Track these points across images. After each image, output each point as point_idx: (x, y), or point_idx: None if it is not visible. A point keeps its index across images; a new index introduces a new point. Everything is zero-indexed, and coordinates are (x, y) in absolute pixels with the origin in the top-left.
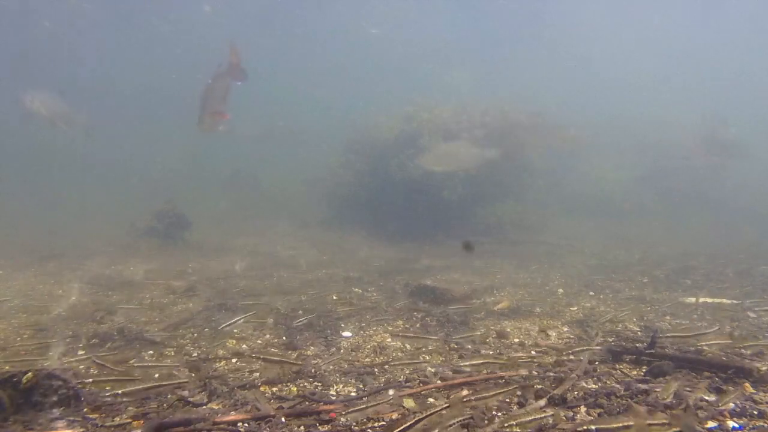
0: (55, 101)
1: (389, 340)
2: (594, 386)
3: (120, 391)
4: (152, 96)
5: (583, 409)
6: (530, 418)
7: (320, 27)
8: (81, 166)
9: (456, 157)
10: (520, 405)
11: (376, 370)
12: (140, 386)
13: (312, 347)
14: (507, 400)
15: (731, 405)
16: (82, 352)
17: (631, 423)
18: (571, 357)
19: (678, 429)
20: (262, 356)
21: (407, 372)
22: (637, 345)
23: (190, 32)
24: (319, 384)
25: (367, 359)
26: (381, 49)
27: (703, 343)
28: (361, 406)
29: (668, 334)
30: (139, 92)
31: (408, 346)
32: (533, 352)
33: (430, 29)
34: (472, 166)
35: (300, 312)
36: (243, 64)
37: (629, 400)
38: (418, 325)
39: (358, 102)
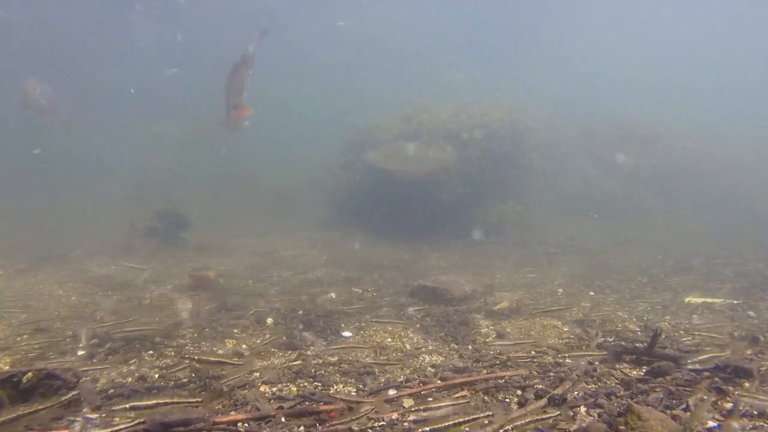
0: (49, 92)
1: (389, 340)
2: (594, 386)
3: None
4: (129, 91)
5: (583, 409)
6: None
7: (318, 25)
8: (81, 165)
9: (407, 157)
10: (521, 405)
11: (376, 370)
12: None
13: (312, 347)
14: (507, 399)
15: (731, 405)
16: (82, 353)
17: None
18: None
19: None
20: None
21: (407, 372)
22: (637, 345)
23: (166, 24)
24: (319, 384)
25: (367, 359)
26: (380, 48)
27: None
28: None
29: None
30: (117, 87)
31: (408, 346)
32: (533, 352)
33: (430, 29)
34: (429, 170)
35: (300, 312)
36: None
37: (629, 400)
38: (417, 326)
39: (355, 102)
